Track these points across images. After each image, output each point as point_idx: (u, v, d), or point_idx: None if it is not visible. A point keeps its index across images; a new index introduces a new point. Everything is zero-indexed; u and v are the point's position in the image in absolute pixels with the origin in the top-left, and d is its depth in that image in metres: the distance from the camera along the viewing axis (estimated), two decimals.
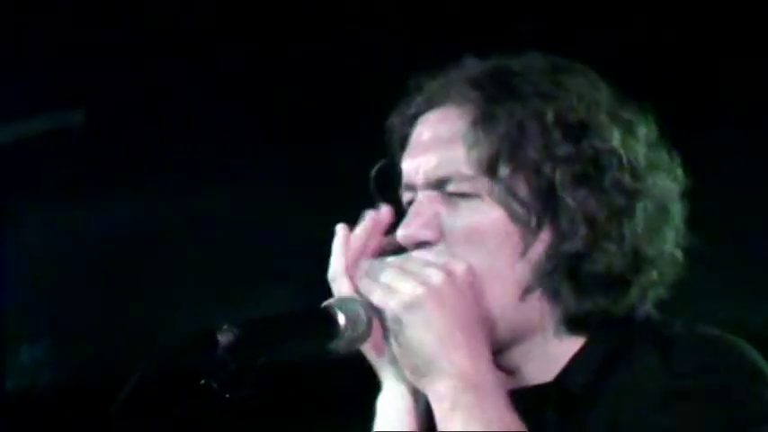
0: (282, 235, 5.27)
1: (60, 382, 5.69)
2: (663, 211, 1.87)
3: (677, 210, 1.89)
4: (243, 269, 5.43)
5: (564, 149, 1.83)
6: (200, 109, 4.99)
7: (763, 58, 4.20)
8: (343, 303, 1.82)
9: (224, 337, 1.69)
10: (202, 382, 1.68)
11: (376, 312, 1.82)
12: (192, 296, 5.43)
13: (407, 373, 1.82)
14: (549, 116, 1.84)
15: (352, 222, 1.93)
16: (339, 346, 1.81)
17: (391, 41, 4.33)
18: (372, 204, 1.95)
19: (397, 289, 1.80)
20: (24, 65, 4.83)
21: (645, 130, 1.89)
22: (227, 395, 1.68)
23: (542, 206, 1.83)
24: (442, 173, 1.86)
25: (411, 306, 1.78)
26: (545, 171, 1.83)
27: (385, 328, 1.82)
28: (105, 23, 4.61)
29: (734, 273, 4.44)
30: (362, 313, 1.81)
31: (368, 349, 1.87)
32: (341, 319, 1.79)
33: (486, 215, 1.84)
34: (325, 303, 1.84)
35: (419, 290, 1.78)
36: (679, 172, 1.91)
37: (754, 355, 1.82)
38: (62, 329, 5.71)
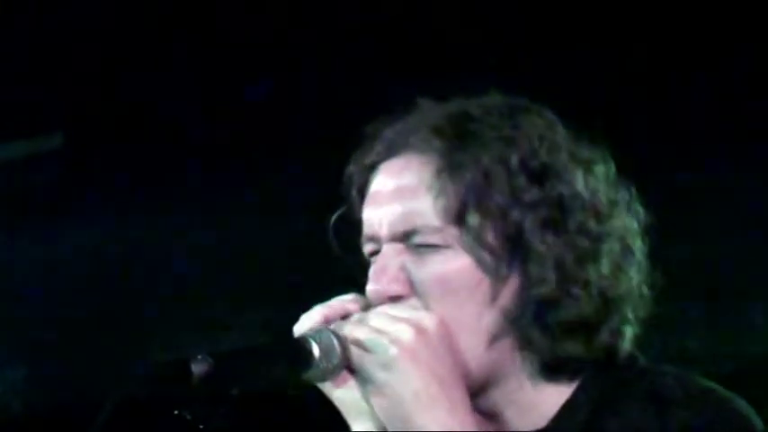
0: (255, 262, 5.27)
1: (33, 407, 5.66)
2: (626, 250, 1.86)
3: (639, 247, 1.88)
4: (218, 296, 5.43)
5: (530, 195, 1.81)
6: (178, 135, 4.99)
7: None
8: (317, 334, 1.82)
9: (198, 367, 1.69)
10: (176, 412, 1.68)
11: (348, 361, 1.82)
12: (167, 323, 5.42)
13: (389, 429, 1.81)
14: (514, 161, 1.82)
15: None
16: (313, 376, 1.81)
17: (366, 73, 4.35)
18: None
19: (369, 349, 1.79)
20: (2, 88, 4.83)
21: (603, 169, 1.88)
22: (201, 425, 1.68)
23: (510, 252, 1.81)
24: (408, 225, 1.83)
25: (385, 367, 1.78)
26: (513, 217, 1.80)
27: (359, 386, 1.82)
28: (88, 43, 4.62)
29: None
30: (336, 344, 1.81)
31: (331, 390, 1.86)
32: (315, 349, 1.79)
33: (455, 265, 1.81)
34: (299, 334, 1.84)
35: (392, 350, 1.77)
36: (639, 208, 1.89)
37: (748, 411, 1.81)
38: (35, 355, 5.68)
